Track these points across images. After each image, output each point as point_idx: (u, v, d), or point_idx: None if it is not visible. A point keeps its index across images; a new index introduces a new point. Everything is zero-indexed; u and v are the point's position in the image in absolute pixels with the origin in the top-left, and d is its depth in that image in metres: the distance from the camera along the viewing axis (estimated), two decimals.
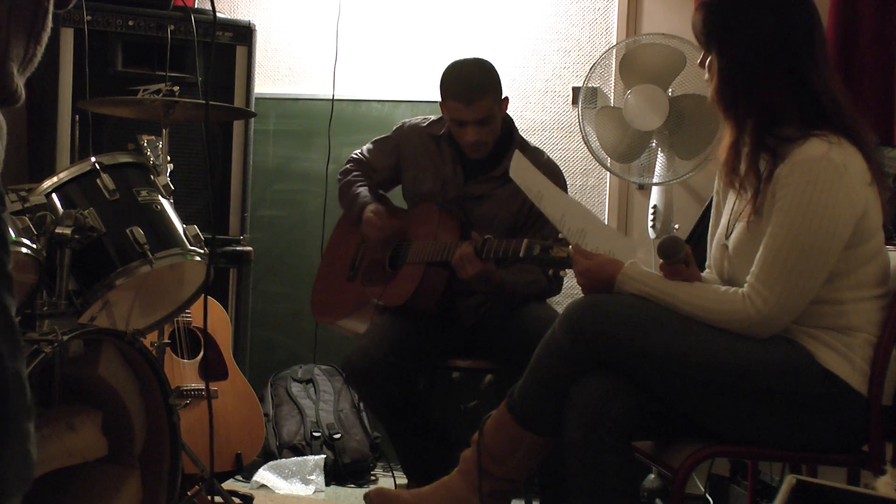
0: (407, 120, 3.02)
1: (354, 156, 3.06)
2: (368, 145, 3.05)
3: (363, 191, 2.94)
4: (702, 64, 2.02)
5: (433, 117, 2.97)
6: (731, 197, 2.07)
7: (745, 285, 1.89)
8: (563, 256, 2.22)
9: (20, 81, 1.16)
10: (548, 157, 2.90)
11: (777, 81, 1.90)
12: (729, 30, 1.94)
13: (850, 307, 1.89)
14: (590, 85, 3.38)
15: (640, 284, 1.95)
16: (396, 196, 3.03)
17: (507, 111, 2.86)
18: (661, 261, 2.00)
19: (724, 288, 1.93)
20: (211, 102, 2.48)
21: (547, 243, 2.29)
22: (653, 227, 3.33)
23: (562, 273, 2.25)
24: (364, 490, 3.24)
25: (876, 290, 1.92)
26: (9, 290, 1.16)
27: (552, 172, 2.84)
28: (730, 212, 2.05)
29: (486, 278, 2.62)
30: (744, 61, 1.92)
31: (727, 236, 2.04)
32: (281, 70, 3.95)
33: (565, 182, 2.89)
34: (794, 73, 1.91)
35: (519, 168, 2.32)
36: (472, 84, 2.72)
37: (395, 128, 3.01)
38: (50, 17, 1.21)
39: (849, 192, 1.83)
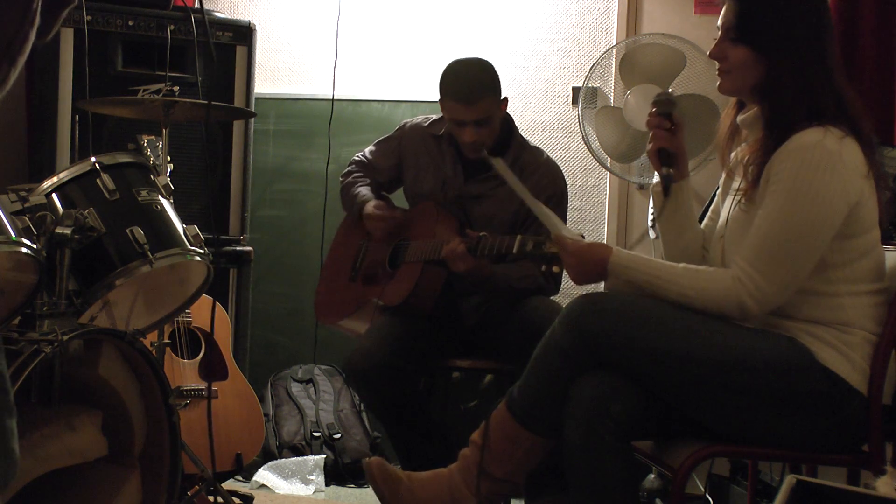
0: (409, 120, 3.02)
1: (356, 158, 3.06)
2: (371, 147, 3.05)
3: (363, 190, 2.95)
4: (715, 55, 2.01)
5: (435, 117, 2.96)
6: (732, 192, 2.07)
7: (733, 266, 1.89)
8: (555, 252, 2.24)
9: None
10: (547, 156, 2.89)
11: (820, 77, 1.91)
12: (773, 25, 1.93)
13: (846, 301, 1.90)
14: (590, 85, 3.38)
15: (631, 271, 1.96)
16: (399, 199, 3.03)
17: (507, 111, 2.86)
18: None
19: (713, 269, 1.94)
20: (211, 102, 2.49)
21: (539, 239, 2.30)
22: (652, 227, 3.32)
23: (555, 269, 2.26)
24: (364, 490, 3.25)
25: (871, 285, 1.92)
26: None
27: (551, 171, 2.85)
28: (728, 206, 2.06)
29: (480, 275, 2.62)
30: (792, 57, 1.91)
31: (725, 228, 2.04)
32: (281, 70, 3.95)
33: (564, 181, 2.88)
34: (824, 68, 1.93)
35: (501, 170, 2.35)
36: (472, 85, 2.71)
37: (397, 128, 3.02)
38: (30, 43, 1.21)
39: (842, 179, 1.84)
